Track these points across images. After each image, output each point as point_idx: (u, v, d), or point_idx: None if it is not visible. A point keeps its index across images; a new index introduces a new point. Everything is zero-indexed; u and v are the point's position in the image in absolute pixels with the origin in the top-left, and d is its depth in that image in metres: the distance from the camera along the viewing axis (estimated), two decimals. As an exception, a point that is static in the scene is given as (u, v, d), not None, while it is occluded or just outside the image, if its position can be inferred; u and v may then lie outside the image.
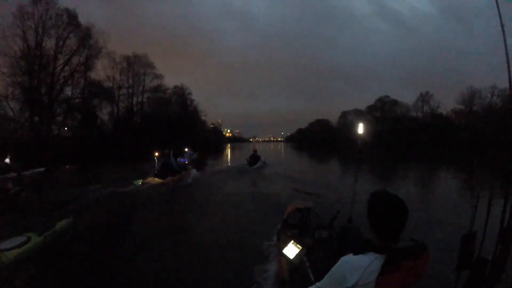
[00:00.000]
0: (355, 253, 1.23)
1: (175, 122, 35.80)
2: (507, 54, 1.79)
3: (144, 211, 6.95)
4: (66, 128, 24.71)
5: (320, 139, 60.22)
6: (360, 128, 3.11)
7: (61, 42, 23.20)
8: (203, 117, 48.77)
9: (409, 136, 42.27)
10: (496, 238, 1.65)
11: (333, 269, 1.26)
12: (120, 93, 32.03)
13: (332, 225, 2.96)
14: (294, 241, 2.64)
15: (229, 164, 22.35)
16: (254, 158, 15.09)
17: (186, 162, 12.76)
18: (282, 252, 2.62)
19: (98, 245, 4.41)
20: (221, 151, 47.19)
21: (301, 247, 2.57)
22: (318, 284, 1.32)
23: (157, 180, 9.22)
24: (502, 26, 1.89)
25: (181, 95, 41.73)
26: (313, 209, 3.50)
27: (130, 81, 33.03)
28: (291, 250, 2.58)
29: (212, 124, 73.67)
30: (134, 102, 33.69)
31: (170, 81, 50.36)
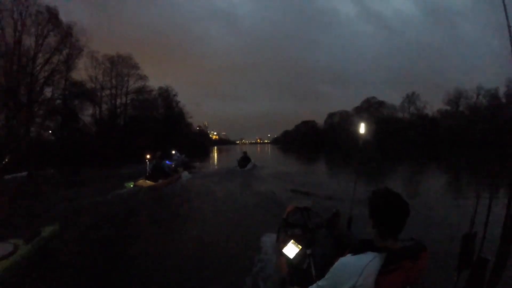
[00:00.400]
0: (354, 253, 1.25)
1: (160, 124, 35.08)
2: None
3: (137, 214, 6.79)
4: (50, 132, 23.73)
5: (307, 141, 59.95)
6: (362, 128, 3.13)
7: (40, 41, 22.19)
8: (188, 119, 48.03)
9: (397, 136, 42.55)
10: (497, 238, 1.71)
11: (332, 269, 1.28)
12: (103, 94, 31.05)
13: (332, 225, 2.98)
14: (294, 240, 2.63)
15: (216, 166, 22.61)
16: (245, 160, 15.21)
17: (173, 165, 12.45)
18: (282, 252, 2.62)
19: (88, 253, 4.24)
20: (208, 153, 46.74)
21: (301, 247, 2.56)
22: (319, 283, 1.34)
23: (148, 182, 9.10)
24: (509, 26, 1.87)
25: (166, 96, 40.96)
26: (313, 209, 3.51)
27: (114, 81, 32.03)
28: (291, 250, 2.58)
29: (199, 126, 72.81)
30: (117, 103, 32.79)
31: (155, 83, 49.27)
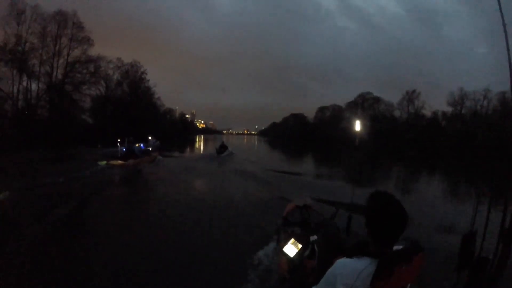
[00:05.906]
0: (350, 256, 1.20)
1: (125, 107, 30.18)
2: (509, 55, 1.79)
3: (113, 188, 8.24)
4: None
5: (296, 134, 57.79)
6: (357, 125, 3.12)
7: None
8: (156, 101, 41.38)
9: (391, 136, 39.26)
10: (496, 238, 1.71)
11: (328, 272, 1.25)
12: (32, 58, 22.85)
13: (332, 223, 2.98)
14: (294, 239, 2.63)
15: (194, 152, 26.24)
16: (222, 147, 18.12)
17: (150, 149, 14.65)
18: (283, 251, 2.62)
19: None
20: (191, 142, 44.77)
21: (301, 246, 2.56)
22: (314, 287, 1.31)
23: (120, 162, 11.14)
24: (504, 25, 1.84)
25: (133, 74, 34.11)
26: (313, 207, 3.51)
27: (51, 46, 24.11)
28: (291, 249, 2.58)
29: (185, 114, 71.26)
30: (53, 76, 24.65)
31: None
